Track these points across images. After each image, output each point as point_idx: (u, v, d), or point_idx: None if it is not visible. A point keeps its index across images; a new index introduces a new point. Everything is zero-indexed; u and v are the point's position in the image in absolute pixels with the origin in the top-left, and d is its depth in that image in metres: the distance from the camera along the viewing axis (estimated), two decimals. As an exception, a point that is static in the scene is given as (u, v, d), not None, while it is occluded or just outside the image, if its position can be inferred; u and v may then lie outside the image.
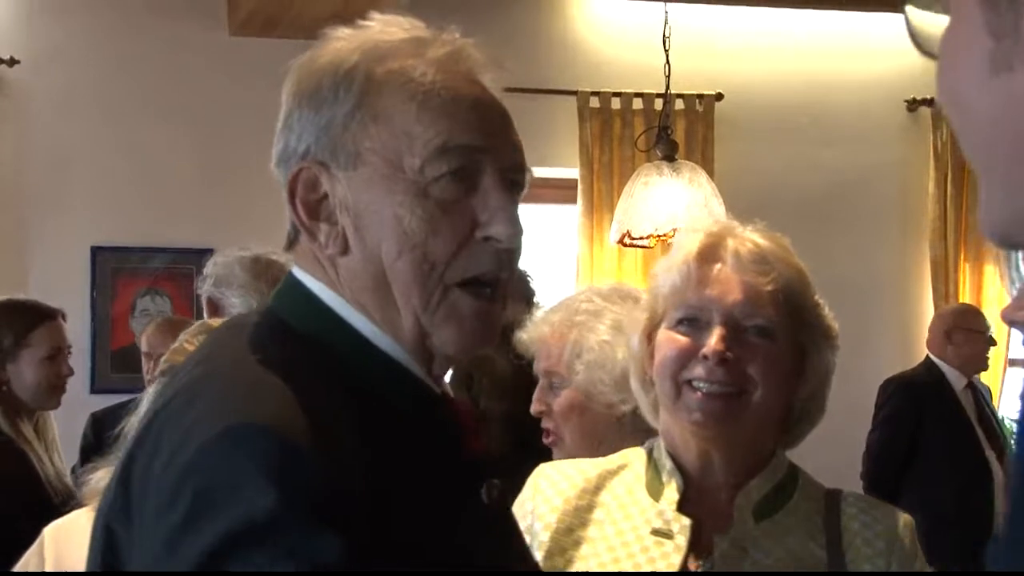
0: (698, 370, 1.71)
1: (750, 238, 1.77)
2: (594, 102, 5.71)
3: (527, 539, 1.75)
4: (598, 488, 1.79)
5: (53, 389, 3.70)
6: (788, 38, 5.99)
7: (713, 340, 1.70)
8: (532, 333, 2.28)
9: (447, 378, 1.39)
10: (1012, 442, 0.87)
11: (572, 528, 1.76)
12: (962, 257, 6.10)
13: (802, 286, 1.78)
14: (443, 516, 1.21)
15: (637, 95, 5.70)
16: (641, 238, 4.80)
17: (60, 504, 3.09)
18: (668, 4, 5.18)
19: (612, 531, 1.75)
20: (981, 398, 5.18)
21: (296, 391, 1.13)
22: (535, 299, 3.45)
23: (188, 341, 2.23)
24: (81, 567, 1.25)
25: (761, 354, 1.72)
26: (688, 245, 1.77)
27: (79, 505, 2.38)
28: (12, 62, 5.14)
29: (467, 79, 1.27)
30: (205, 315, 3.28)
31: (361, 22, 1.30)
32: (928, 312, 5.99)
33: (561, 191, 5.76)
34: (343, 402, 1.17)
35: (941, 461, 5.00)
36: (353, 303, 1.25)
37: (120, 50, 5.31)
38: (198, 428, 1.10)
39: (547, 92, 5.65)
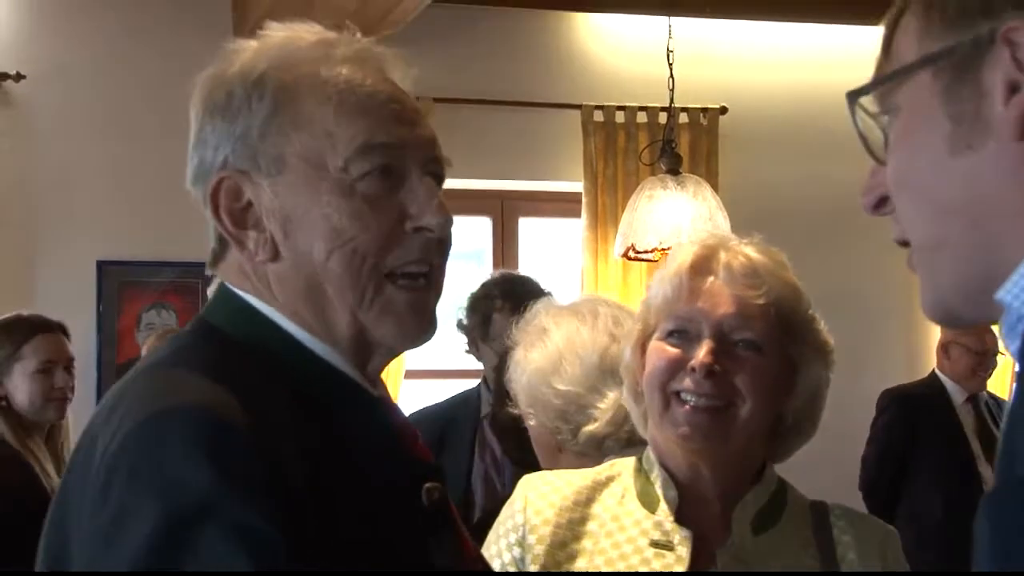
0: (686, 382, 1.70)
1: (743, 252, 1.76)
2: (598, 116, 5.70)
3: (518, 552, 1.75)
4: (589, 500, 1.78)
5: (48, 401, 3.69)
6: (792, 51, 5.99)
7: (702, 352, 1.70)
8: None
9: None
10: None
11: (566, 542, 1.75)
12: (969, 271, 6.07)
13: (794, 301, 1.77)
14: (378, 516, 1.20)
15: (641, 108, 5.69)
16: (645, 252, 4.79)
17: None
18: (672, 18, 5.18)
19: (608, 544, 1.74)
20: (984, 412, 5.15)
21: (230, 387, 1.12)
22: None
23: None
24: None
25: (749, 367, 1.71)
26: (682, 257, 1.77)
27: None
28: (18, 77, 5.16)
29: (378, 76, 1.28)
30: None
31: (260, 32, 1.33)
32: (936, 327, 5.97)
33: (565, 205, 5.77)
34: (276, 399, 1.17)
35: (932, 474, 4.98)
36: (285, 311, 1.25)
37: (126, 64, 5.32)
38: (123, 423, 1.09)
39: (551, 106, 5.66)
